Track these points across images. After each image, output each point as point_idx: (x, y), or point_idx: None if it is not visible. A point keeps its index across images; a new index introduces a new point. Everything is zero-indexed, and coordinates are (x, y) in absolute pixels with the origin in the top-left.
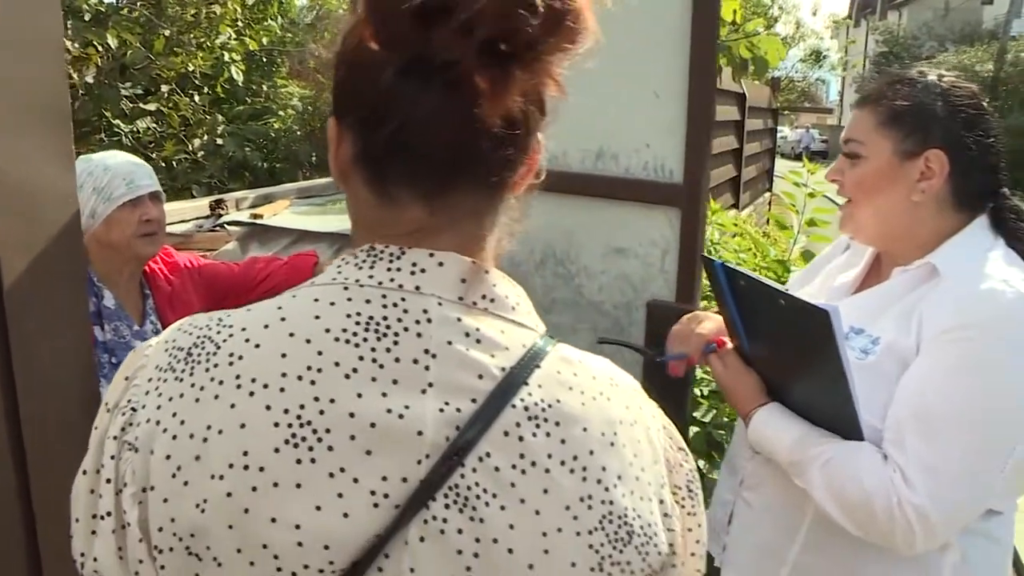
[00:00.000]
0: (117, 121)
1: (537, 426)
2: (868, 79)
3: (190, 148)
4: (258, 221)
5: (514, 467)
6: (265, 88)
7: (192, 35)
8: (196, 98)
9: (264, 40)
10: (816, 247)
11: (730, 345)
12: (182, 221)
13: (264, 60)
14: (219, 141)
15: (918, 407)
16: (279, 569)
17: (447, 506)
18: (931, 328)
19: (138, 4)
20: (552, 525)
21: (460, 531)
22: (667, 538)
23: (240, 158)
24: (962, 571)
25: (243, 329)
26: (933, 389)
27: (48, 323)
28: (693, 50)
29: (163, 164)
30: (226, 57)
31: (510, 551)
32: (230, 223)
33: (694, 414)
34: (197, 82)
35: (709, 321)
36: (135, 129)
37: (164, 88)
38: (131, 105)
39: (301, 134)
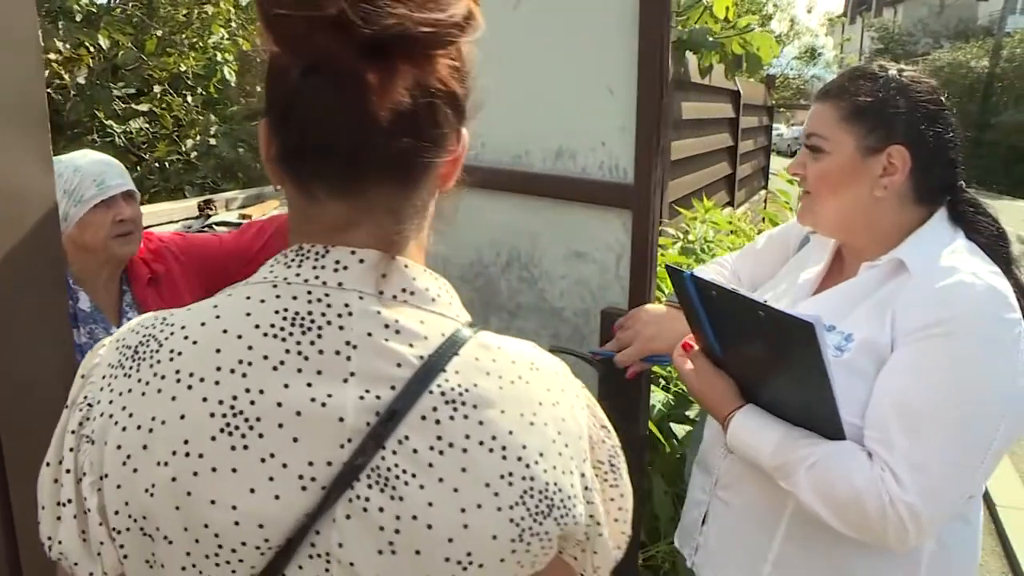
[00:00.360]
0: (110, 122)
1: (455, 409)
2: (857, 64)
3: (183, 149)
4: (246, 221)
5: (432, 448)
6: (259, 89)
7: (184, 35)
8: (189, 99)
9: (258, 40)
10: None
11: (696, 347)
12: (171, 222)
13: (258, 61)
14: (212, 142)
15: (901, 405)
16: (220, 546)
17: (369, 486)
18: (905, 325)
19: (130, 4)
20: (471, 501)
21: (381, 509)
22: (587, 510)
23: (233, 159)
24: (939, 557)
25: (183, 327)
26: (914, 387)
27: (26, 325)
28: (641, 42)
29: (156, 165)
30: (219, 57)
31: (429, 527)
32: (219, 223)
33: (687, 412)
34: (190, 82)
35: (653, 325)
36: (128, 130)
37: (156, 89)
38: (123, 106)
39: None
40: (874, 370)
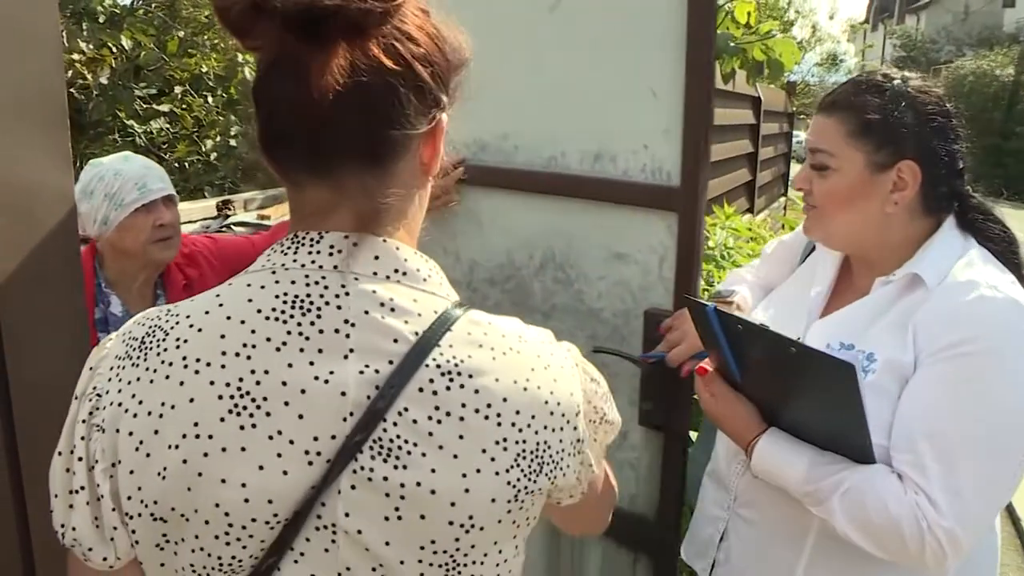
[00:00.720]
0: (131, 122)
1: (451, 380)
2: (861, 74)
3: (203, 149)
4: (265, 222)
5: (430, 418)
6: None
7: (206, 36)
8: (210, 99)
9: None
10: None
11: (710, 369)
12: (189, 221)
13: None
14: (232, 143)
15: (932, 428)
16: (231, 525)
17: (372, 457)
18: (928, 343)
19: (152, 5)
20: (471, 466)
21: (386, 478)
22: (578, 458)
23: (253, 160)
24: (966, 567)
25: (187, 316)
26: (944, 408)
27: (42, 324)
28: (689, 48)
29: (176, 165)
30: (239, 59)
31: (433, 492)
32: (237, 224)
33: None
34: (211, 83)
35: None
36: (148, 130)
37: (177, 89)
38: (144, 106)
39: None
40: (898, 390)
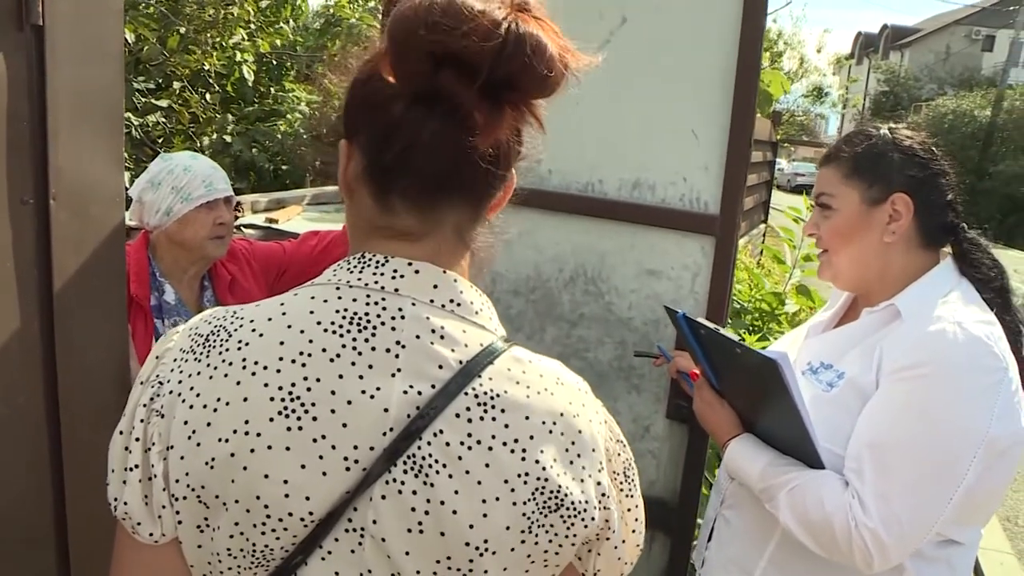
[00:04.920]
0: (128, 114)
1: (485, 411)
2: (867, 118)
3: (199, 146)
4: (274, 225)
5: (462, 443)
6: (273, 91)
7: (208, 35)
8: (207, 97)
9: (276, 43)
10: (811, 281)
11: (701, 377)
12: None
13: (274, 63)
14: (228, 140)
15: (874, 439)
16: (268, 516)
17: (405, 471)
18: (888, 365)
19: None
20: (491, 494)
21: (414, 492)
22: (602, 515)
23: (248, 159)
24: None
25: (251, 321)
26: (886, 423)
27: (91, 310)
28: (736, 97)
29: None
30: (238, 57)
31: (454, 512)
32: (247, 226)
33: None
34: (210, 81)
35: None
36: (145, 123)
37: (176, 85)
38: (143, 99)
39: (307, 138)
40: (859, 406)
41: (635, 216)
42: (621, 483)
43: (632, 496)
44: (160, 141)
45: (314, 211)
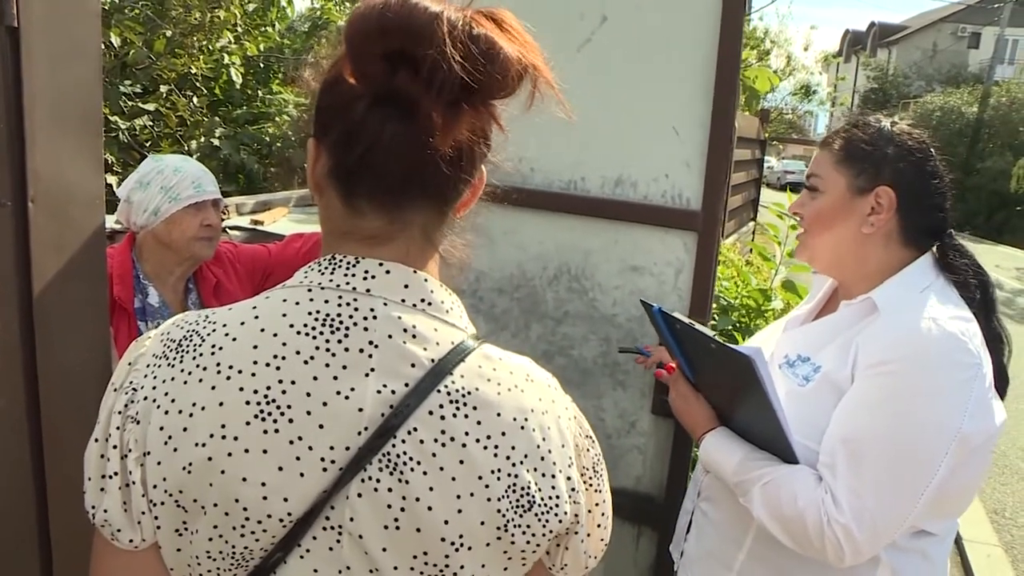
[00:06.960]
0: (115, 118)
1: (458, 408)
2: (854, 115)
3: (186, 149)
4: (259, 227)
5: (436, 440)
6: (260, 93)
7: (195, 38)
8: (195, 100)
9: (262, 46)
10: (797, 277)
11: (676, 371)
12: None
13: (261, 66)
14: (216, 143)
15: (847, 434)
16: (247, 518)
17: (380, 469)
18: (864, 360)
19: (139, 3)
20: (465, 490)
21: (390, 490)
22: (572, 509)
23: (237, 161)
24: None
25: (224, 325)
26: (860, 419)
27: (71, 314)
28: (717, 92)
29: None
30: (225, 60)
31: (429, 508)
32: (232, 227)
33: None
34: (197, 84)
35: None
36: (132, 127)
37: (163, 88)
38: (130, 103)
39: (295, 141)
40: (834, 401)
41: (618, 213)
42: (590, 478)
43: (600, 491)
44: (148, 145)
45: (300, 213)
